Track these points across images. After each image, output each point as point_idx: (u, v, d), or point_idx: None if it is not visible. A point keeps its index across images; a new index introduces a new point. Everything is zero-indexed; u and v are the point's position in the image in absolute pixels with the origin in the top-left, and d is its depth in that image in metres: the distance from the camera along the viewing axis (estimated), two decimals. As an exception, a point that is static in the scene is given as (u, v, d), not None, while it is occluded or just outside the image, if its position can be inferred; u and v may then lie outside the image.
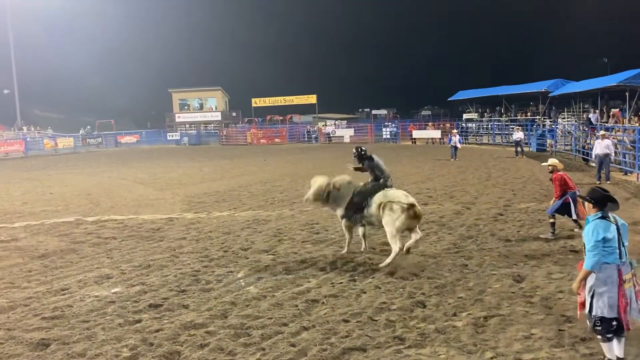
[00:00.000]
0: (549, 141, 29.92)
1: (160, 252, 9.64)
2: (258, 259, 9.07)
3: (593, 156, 18.54)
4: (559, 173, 10.14)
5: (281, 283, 7.70)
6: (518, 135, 27.92)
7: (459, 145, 26.73)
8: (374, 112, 68.52)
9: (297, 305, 6.76)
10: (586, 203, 5.12)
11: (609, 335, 4.88)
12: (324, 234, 10.82)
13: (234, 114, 63.38)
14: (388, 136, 45.44)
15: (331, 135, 47.74)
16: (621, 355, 4.92)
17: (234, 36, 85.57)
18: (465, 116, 46.59)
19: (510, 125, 36.15)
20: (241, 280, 7.88)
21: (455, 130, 29.41)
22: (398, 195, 8.74)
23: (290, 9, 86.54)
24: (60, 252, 9.80)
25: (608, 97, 33.01)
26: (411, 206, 8.47)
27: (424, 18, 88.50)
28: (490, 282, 7.49)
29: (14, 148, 42.42)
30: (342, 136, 47.03)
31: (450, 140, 27.12)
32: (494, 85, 44.94)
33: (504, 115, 41.29)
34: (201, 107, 61.04)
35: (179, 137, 53.00)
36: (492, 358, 5.24)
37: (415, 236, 8.59)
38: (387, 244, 8.74)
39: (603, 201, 5.01)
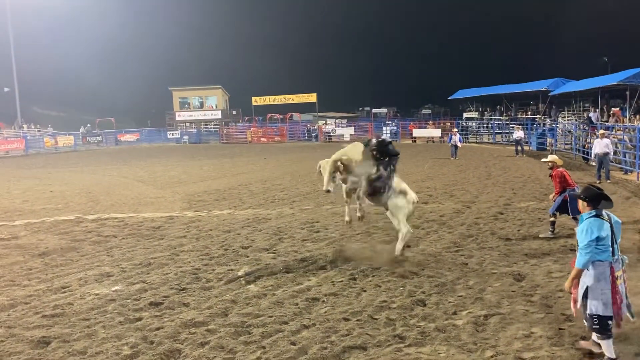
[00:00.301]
0: (549, 140, 29.92)
1: (160, 251, 9.65)
2: (258, 257, 9.07)
3: (592, 155, 18.54)
4: (558, 169, 10.13)
5: (281, 281, 7.70)
6: (518, 134, 27.93)
7: (459, 144, 26.73)
8: (374, 110, 68.54)
9: (297, 304, 6.77)
10: (580, 201, 5.15)
11: (609, 333, 4.91)
12: (324, 232, 10.82)
13: (234, 113, 63.39)
14: (388, 135, 45.43)
15: (331, 133, 47.73)
16: (613, 356, 4.95)
17: (235, 35, 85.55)
18: (465, 115, 46.58)
19: (511, 124, 36.16)
20: (241, 279, 7.88)
21: (455, 129, 29.40)
22: (407, 187, 8.90)
23: (290, 8, 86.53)
24: (60, 250, 9.80)
25: (608, 96, 33.00)
26: (414, 202, 8.85)
27: (425, 17, 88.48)
28: (491, 280, 7.50)
29: (14, 146, 42.44)
30: (342, 135, 47.02)
31: (451, 139, 27.12)
32: (494, 84, 44.96)
33: (504, 114, 41.27)
34: (201, 106, 61.06)
35: (179, 136, 53.00)
36: (492, 357, 5.24)
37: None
38: (387, 243, 8.75)
39: (597, 199, 5.06)
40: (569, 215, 9.89)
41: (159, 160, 31.89)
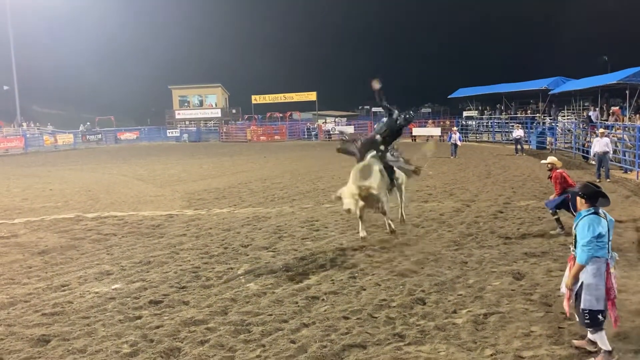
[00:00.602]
0: (548, 139, 29.92)
1: (160, 249, 9.65)
2: (258, 255, 9.08)
3: (592, 154, 18.54)
4: (558, 171, 10.12)
5: (281, 280, 7.71)
6: (518, 133, 27.93)
7: (459, 143, 26.73)
8: (374, 109, 68.39)
9: (297, 302, 6.77)
10: (578, 198, 5.19)
11: (600, 326, 4.97)
12: (323, 231, 10.83)
13: (233, 111, 63.35)
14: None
15: (331, 132, 47.71)
16: (608, 348, 5.00)
17: (235, 33, 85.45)
18: (465, 114, 46.55)
19: (510, 122, 36.15)
20: (241, 277, 7.88)
21: (455, 128, 29.39)
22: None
23: (290, 7, 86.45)
24: (60, 248, 9.81)
25: (608, 95, 32.99)
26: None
27: (425, 15, 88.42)
28: (490, 279, 7.50)
29: (14, 144, 42.40)
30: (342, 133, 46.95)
31: (450, 137, 27.12)
32: (494, 82, 44.94)
33: (504, 112, 41.26)
34: (201, 104, 61.01)
35: (178, 134, 52.98)
36: (491, 355, 5.25)
37: None
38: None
39: (595, 196, 5.11)
40: (570, 212, 9.89)
41: (159, 158, 31.88)
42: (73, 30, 73.38)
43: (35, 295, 7.24)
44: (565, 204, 9.77)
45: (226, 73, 71.24)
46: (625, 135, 20.63)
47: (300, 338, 5.72)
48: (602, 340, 5.00)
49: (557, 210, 10.01)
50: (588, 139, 23.65)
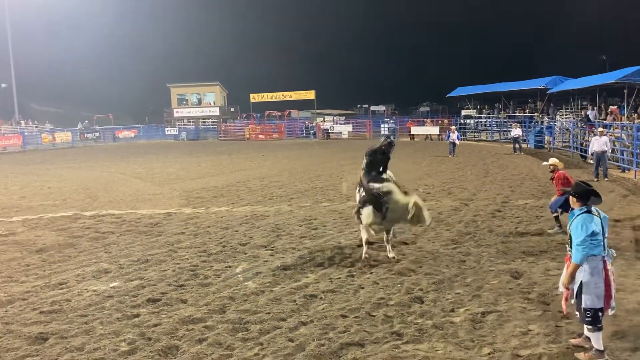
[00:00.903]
0: (547, 138, 29.94)
1: (158, 247, 9.65)
2: (256, 254, 9.08)
3: (590, 153, 18.55)
4: (560, 172, 10.15)
5: (279, 278, 7.71)
6: (516, 132, 27.93)
7: (457, 142, 26.74)
8: (372, 108, 68.41)
9: (295, 301, 6.77)
10: (570, 197, 5.22)
11: (599, 325, 5.00)
12: (322, 229, 10.83)
13: (232, 109, 63.29)
14: (386, 132, 45.45)
15: (329, 131, 47.70)
16: (601, 348, 5.04)
17: (233, 31, 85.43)
18: (463, 113, 46.52)
19: (509, 122, 36.12)
20: (239, 275, 7.89)
21: (453, 127, 29.39)
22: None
23: (289, 4, 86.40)
24: (58, 246, 9.80)
25: (606, 95, 33.00)
26: None
27: (423, 14, 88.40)
28: (488, 278, 7.51)
29: (12, 142, 42.29)
30: (341, 132, 47.02)
31: (449, 136, 27.12)
32: (492, 81, 44.95)
33: (503, 111, 41.26)
34: (199, 102, 60.91)
35: (177, 132, 52.87)
36: (489, 354, 5.26)
37: None
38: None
39: (586, 195, 5.16)
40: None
41: (157, 156, 31.85)
42: (71, 28, 73.28)
43: (33, 293, 7.24)
44: (568, 205, 9.77)
45: (225, 71, 71.31)
46: (623, 135, 20.65)
47: (298, 336, 5.73)
48: (597, 339, 5.03)
49: (560, 210, 9.99)
50: (586, 138, 23.67)
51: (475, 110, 45.69)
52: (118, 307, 6.68)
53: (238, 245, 9.69)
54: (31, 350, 5.52)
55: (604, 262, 5.02)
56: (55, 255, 9.18)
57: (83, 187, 18.19)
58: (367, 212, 8.29)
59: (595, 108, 29.42)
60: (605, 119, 25.52)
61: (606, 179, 16.80)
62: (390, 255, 8.63)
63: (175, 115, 59.32)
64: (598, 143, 17.30)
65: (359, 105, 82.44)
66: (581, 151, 23.77)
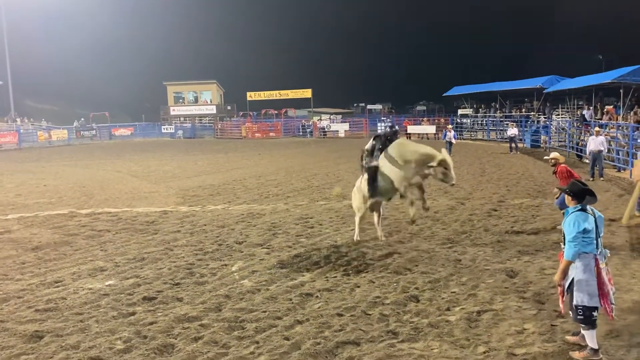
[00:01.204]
0: (543, 137, 30.00)
1: (154, 245, 9.63)
2: (252, 252, 9.08)
3: (587, 152, 18.61)
4: (562, 166, 10.19)
5: (275, 277, 7.71)
6: (512, 131, 27.99)
7: (453, 141, 26.73)
8: (369, 106, 68.55)
9: (291, 299, 6.78)
10: (566, 195, 5.26)
11: (593, 324, 5.04)
12: (318, 228, 10.83)
13: (228, 108, 63.28)
14: (387, 126, 45.51)
15: (326, 129, 47.69)
16: (596, 346, 5.06)
17: (230, 29, 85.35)
18: (460, 112, 46.57)
19: (505, 121, 36.18)
20: (235, 274, 7.88)
21: (450, 126, 29.42)
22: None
23: (286, 3, 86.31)
24: (53, 244, 9.78)
25: (602, 94, 33.08)
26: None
27: (420, 14, 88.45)
28: (484, 277, 7.53)
29: (8, 140, 42.18)
30: (337, 131, 47.02)
31: (445, 135, 27.13)
32: (489, 81, 45.02)
33: (499, 111, 41.33)
34: (196, 101, 60.88)
35: (173, 130, 52.82)
36: (484, 352, 5.27)
37: None
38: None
39: (582, 194, 5.21)
40: None
41: (153, 154, 31.81)
42: (68, 25, 73.15)
43: (28, 291, 7.22)
44: None
45: (221, 69, 71.28)
46: (618, 134, 20.71)
47: (294, 335, 5.73)
48: (591, 338, 5.06)
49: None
50: (582, 138, 23.73)
51: (471, 110, 45.75)
52: (114, 305, 6.67)
53: (234, 243, 9.69)
54: (26, 349, 5.51)
55: (596, 260, 5.06)
56: (50, 253, 9.16)
57: (79, 185, 18.16)
58: (363, 182, 9.34)
59: (591, 108, 29.48)
60: (601, 119, 25.59)
61: (602, 179, 16.85)
62: (380, 234, 9.68)
63: (172, 113, 59.28)
64: (594, 143, 17.35)
65: (355, 104, 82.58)
66: (577, 151, 23.83)
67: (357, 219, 9.74)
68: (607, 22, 68.67)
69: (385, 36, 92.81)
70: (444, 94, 49.65)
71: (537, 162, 22.31)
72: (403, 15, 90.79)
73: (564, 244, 5.17)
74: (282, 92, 60.37)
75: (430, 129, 40.57)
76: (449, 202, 13.42)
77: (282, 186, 16.87)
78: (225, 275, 7.84)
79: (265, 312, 6.36)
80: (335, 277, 7.67)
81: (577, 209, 5.15)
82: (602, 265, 5.09)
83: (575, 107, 35.09)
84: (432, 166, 8.62)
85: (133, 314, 6.39)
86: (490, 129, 38.40)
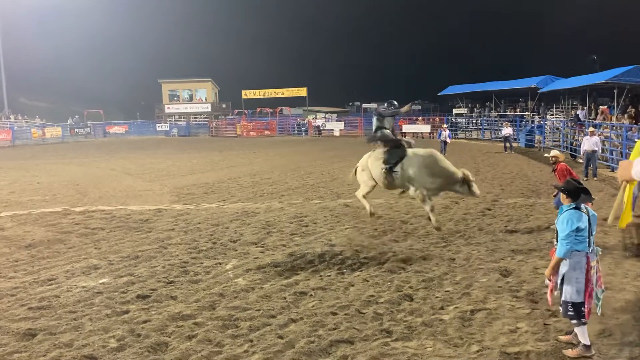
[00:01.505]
0: (537, 137, 30.08)
1: (148, 243, 9.61)
2: (247, 251, 9.07)
3: (581, 152, 18.68)
4: (562, 164, 10.25)
5: (269, 275, 7.71)
6: (507, 130, 28.07)
7: (448, 140, 26.80)
8: (364, 105, 68.46)
9: (285, 298, 6.78)
10: (561, 193, 5.30)
11: (583, 320, 5.08)
12: (312, 226, 10.83)
13: (223, 106, 63.21)
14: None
15: (321, 128, 47.68)
16: (588, 343, 5.11)
17: (225, 27, 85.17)
18: (455, 111, 46.64)
19: (500, 120, 36.26)
20: (229, 272, 7.88)
21: (445, 125, 29.46)
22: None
23: (282, 2, 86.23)
24: (47, 242, 9.74)
25: (596, 94, 33.16)
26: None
27: (416, 14, 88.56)
28: (478, 276, 7.55)
29: (1, 137, 41.97)
30: (332, 129, 47.02)
31: (440, 134, 27.18)
32: (484, 80, 45.08)
33: (494, 110, 41.41)
34: (191, 99, 60.78)
35: (168, 128, 52.69)
36: (478, 351, 5.29)
37: None
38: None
39: (576, 193, 5.25)
40: None
41: (148, 152, 31.73)
42: (62, 22, 72.83)
43: (21, 289, 7.19)
44: None
45: (216, 67, 71.12)
46: (612, 134, 20.80)
47: (288, 333, 5.74)
48: (582, 334, 5.12)
49: None
50: (576, 138, 23.80)
51: (466, 109, 45.81)
52: (107, 303, 6.65)
53: (228, 242, 9.68)
54: (19, 347, 5.49)
55: (587, 258, 5.10)
56: (44, 251, 9.13)
57: (73, 182, 18.09)
58: (375, 161, 10.32)
59: (585, 108, 29.58)
60: (595, 119, 25.69)
61: (595, 179, 16.92)
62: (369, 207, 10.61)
63: (167, 111, 59.19)
64: (588, 143, 17.43)
65: (350, 103, 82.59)
66: (571, 150, 23.91)
67: (360, 195, 10.72)
68: (601, 23, 68.91)
69: (381, 35, 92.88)
70: (439, 93, 49.70)
71: (531, 162, 22.39)
72: (399, 15, 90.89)
73: (557, 241, 5.21)
74: (277, 90, 60.32)
75: (425, 128, 40.63)
76: (443, 201, 13.43)
77: (276, 185, 16.86)
78: (220, 273, 7.84)
79: (259, 310, 6.36)
80: (330, 275, 7.68)
81: (571, 207, 5.18)
82: (592, 264, 5.14)
83: (570, 107, 35.19)
84: (457, 186, 9.48)
85: (127, 312, 6.38)
86: (485, 129, 38.48)
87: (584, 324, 5.11)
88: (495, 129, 36.19)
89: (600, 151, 18.22)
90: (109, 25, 76.87)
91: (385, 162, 10.03)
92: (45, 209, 13.10)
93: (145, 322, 6.06)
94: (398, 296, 6.76)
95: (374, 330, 5.80)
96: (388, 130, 10.47)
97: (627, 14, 66.08)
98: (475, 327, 5.86)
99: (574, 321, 5.14)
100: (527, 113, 37.96)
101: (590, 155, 17.37)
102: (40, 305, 6.59)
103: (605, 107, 28.25)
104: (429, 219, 10.00)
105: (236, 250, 9.10)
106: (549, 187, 14.03)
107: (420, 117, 46.32)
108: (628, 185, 7.08)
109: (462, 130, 40.91)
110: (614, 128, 21.52)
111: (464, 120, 42.87)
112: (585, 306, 5.10)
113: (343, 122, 48.69)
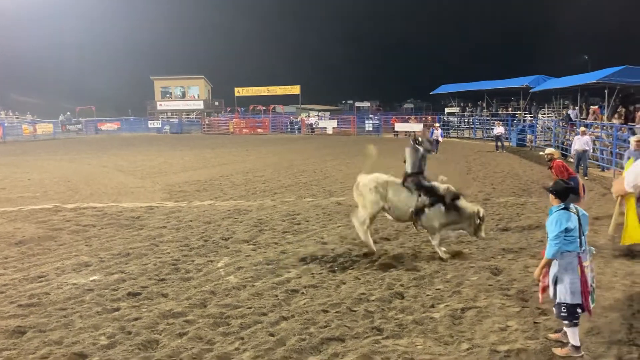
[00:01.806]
0: (528, 136, 30.21)
1: (139, 241, 9.59)
2: (238, 248, 9.07)
3: (572, 151, 18.78)
4: (557, 161, 10.34)
5: (261, 273, 7.71)
6: (499, 130, 28.18)
7: (440, 139, 26.89)
8: (357, 104, 68.53)
9: (276, 295, 6.78)
10: (550, 194, 5.33)
11: (575, 321, 5.08)
12: (304, 224, 10.84)
13: (216, 103, 63.03)
14: (371, 128, 45.65)
15: (314, 126, 47.65)
16: (577, 344, 5.12)
17: (218, 24, 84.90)
18: (447, 110, 46.74)
19: (492, 120, 36.39)
20: (221, 270, 7.87)
21: (437, 124, 29.58)
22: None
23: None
24: (37, 239, 9.69)
25: (588, 94, 33.32)
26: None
27: (409, 12, 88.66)
28: (468, 274, 7.58)
29: (-8, 133, 41.66)
30: (325, 127, 47.00)
31: (432, 133, 27.26)
32: (476, 79, 45.19)
33: (486, 110, 41.55)
34: (183, 96, 60.58)
35: (160, 125, 52.45)
36: (468, 349, 5.31)
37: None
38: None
39: (565, 193, 5.28)
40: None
41: (140, 149, 31.60)
42: (54, 18, 72.30)
43: (11, 286, 7.16)
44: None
45: (209, 64, 70.94)
46: (603, 134, 20.93)
47: (279, 331, 5.74)
48: (573, 335, 5.12)
49: None
50: (567, 137, 23.93)
51: (458, 108, 45.92)
52: (98, 300, 6.63)
53: (220, 239, 9.67)
54: (8, 344, 5.46)
55: (579, 258, 5.11)
56: (34, 248, 9.08)
57: (64, 179, 18.00)
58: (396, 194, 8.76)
59: (576, 107, 29.73)
60: (586, 119, 25.83)
61: (586, 178, 17.01)
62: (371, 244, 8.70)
63: (159, 108, 58.94)
64: (579, 142, 17.55)
65: (343, 101, 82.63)
66: (562, 150, 24.03)
67: (364, 228, 8.69)
68: (593, 22, 69.25)
69: (374, 34, 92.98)
70: (431, 92, 49.78)
71: (523, 161, 22.49)
72: (392, 14, 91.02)
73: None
74: (270, 88, 60.17)
75: (418, 127, 40.70)
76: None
77: (269, 182, 16.85)
78: (211, 271, 7.83)
79: (250, 308, 6.36)
80: (321, 273, 7.69)
81: (560, 207, 5.19)
82: (585, 264, 5.14)
83: (561, 106, 35.38)
84: (466, 225, 8.53)
85: (117, 309, 6.36)
86: (477, 128, 38.61)
87: (576, 325, 5.12)
88: (487, 128, 36.32)
89: (591, 151, 18.35)
90: (101, 21, 76.58)
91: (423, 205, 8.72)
92: (36, 205, 13.03)
93: (136, 319, 6.05)
94: (389, 294, 6.78)
95: (365, 327, 5.82)
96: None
97: (619, 14, 66.47)
98: (466, 325, 5.88)
99: (566, 322, 5.15)
100: (518, 112, 38.09)
101: (581, 155, 17.48)
102: (30, 302, 6.57)
103: (597, 107, 28.40)
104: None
105: (228, 248, 9.09)
106: (541, 186, 14.10)
107: (412, 116, 46.41)
108: (625, 201, 7.10)
109: (454, 129, 41.04)
110: (605, 128, 21.66)
111: (456, 119, 42.98)
112: (585, 306, 5.12)
113: (336, 121, 48.67)
